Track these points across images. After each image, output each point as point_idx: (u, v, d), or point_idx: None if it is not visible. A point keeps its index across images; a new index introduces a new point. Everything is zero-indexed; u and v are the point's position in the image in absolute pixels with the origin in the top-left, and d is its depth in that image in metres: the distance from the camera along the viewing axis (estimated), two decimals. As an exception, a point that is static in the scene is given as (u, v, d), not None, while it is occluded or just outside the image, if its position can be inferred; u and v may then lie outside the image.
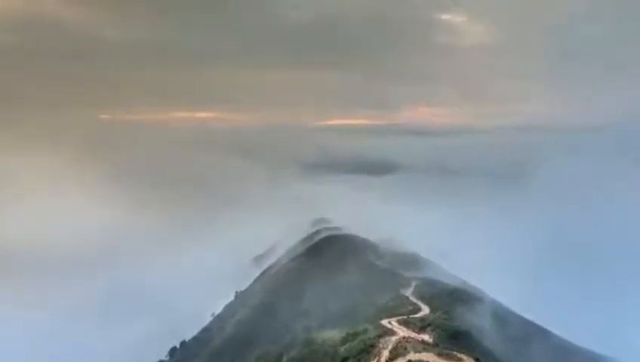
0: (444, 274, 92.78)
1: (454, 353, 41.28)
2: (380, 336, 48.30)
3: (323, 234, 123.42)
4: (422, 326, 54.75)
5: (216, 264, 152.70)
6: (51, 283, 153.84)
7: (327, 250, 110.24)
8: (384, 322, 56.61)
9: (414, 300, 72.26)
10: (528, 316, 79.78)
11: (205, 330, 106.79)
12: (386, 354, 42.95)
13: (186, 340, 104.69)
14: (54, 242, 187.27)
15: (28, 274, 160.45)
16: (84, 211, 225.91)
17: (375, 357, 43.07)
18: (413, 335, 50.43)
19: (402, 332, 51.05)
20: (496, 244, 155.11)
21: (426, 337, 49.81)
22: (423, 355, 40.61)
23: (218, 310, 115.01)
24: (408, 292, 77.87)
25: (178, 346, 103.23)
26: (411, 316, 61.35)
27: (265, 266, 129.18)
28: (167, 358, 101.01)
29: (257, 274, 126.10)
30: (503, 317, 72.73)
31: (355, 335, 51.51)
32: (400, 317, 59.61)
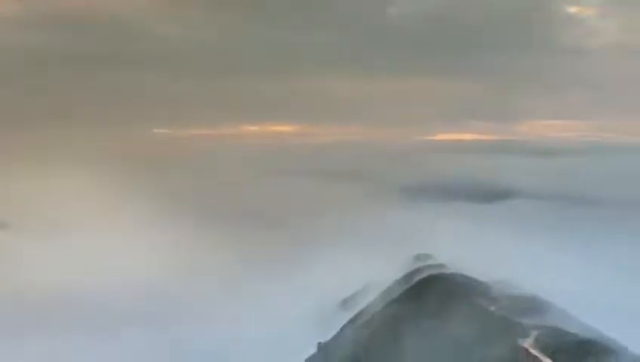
0: (573, 321, 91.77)
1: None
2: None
3: (424, 274, 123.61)
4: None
5: (296, 309, 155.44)
6: (90, 338, 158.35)
7: (429, 292, 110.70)
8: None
9: (535, 354, 73.82)
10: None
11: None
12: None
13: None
14: (96, 287, 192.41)
15: (63, 329, 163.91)
16: (132, 248, 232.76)
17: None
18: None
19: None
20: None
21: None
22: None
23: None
24: (527, 344, 78.85)
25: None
26: (531, 374, 63.86)
27: (354, 312, 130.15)
28: None
29: (345, 321, 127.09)
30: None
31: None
32: (518, 376, 62.32)
